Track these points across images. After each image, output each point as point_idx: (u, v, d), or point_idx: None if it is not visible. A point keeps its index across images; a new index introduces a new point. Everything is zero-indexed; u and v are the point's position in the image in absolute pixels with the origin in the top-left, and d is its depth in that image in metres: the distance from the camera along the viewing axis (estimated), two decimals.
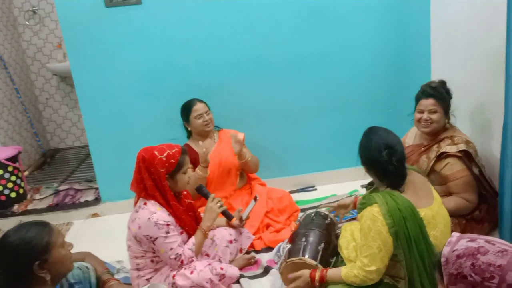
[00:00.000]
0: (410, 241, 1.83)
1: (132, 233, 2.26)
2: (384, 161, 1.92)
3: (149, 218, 2.18)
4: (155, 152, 2.23)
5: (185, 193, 2.47)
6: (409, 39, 3.39)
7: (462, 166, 2.41)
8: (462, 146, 2.42)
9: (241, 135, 3.06)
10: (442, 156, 2.47)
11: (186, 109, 3.11)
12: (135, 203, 2.34)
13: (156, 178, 2.24)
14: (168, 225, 2.22)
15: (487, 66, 2.52)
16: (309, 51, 3.37)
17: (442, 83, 2.55)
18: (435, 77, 3.01)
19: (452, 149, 2.43)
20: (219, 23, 3.26)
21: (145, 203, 2.25)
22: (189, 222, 2.39)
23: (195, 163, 3.05)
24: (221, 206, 2.45)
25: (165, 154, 2.24)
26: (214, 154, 3.09)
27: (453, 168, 2.43)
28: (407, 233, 1.82)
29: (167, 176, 2.25)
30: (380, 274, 1.91)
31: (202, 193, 2.56)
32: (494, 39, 2.40)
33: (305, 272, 2.13)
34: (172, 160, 2.24)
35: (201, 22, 3.25)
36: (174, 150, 2.27)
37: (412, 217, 1.83)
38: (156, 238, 2.19)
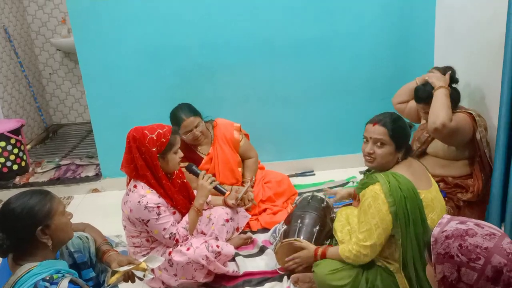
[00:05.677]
0: (409, 222, 1.86)
1: (125, 215, 2.29)
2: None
3: (139, 202, 2.19)
4: (146, 131, 2.22)
5: (176, 172, 2.43)
6: (413, 25, 3.36)
7: (464, 116, 2.39)
8: (470, 111, 2.44)
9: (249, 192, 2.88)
10: None
11: (175, 124, 2.88)
12: (127, 184, 2.34)
13: (147, 158, 2.22)
14: (158, 207, 2.22)
15: (488, 54, 2.53)
16: (312, 35, 3.35)
17: (449, 70, 2.51)
18: (438, 64, 3.00)
19: (459, 109, 2.48)
20: (223, 3, 3.25)
21: (134, 186, 2.25)
22: (181, 201, 2.39)
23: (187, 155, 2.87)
24: (212, 182, 2.43)
25: (155, 133, 2.22)
26: (213, 154, 3.00)
27: (456, 114, 2.40)
28: (407, 213, 1.85)
29: (158, 155, 2.24)
30: (374, 251, 1.95)
31: (193, 172, 2.56)
32: (496, 28, 2.41)
33: (310, 246, 2.23)
34: (163, 139, 2.23)
35: (206, 2, 3.24)
36: (164, 130, 2.25)
37: (412, 197, 1.86)
38: (148, 220, 2.21)
